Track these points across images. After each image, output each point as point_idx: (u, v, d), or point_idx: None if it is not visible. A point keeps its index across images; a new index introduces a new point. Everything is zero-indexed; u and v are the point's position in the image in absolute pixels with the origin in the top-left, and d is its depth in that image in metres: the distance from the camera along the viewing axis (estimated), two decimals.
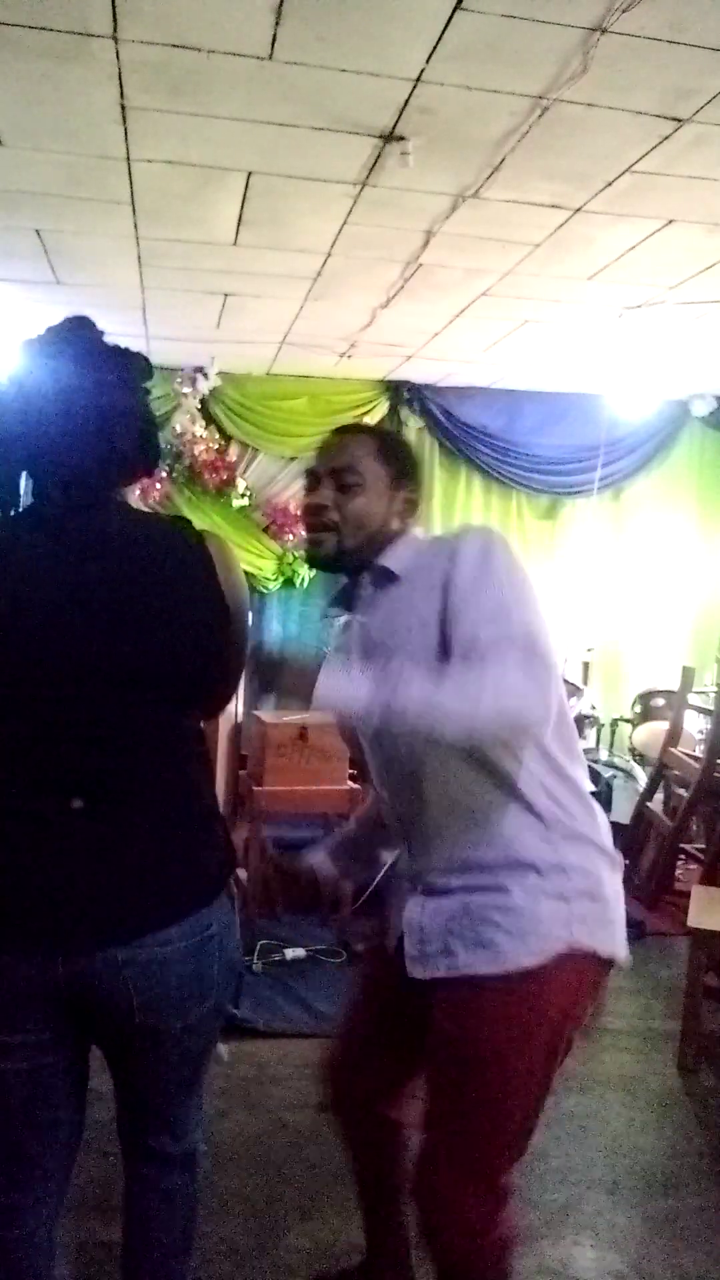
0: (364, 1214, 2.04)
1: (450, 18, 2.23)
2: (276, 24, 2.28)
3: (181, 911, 1.46)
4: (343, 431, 1.79)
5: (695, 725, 5.38)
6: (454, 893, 1.63)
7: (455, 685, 1.43)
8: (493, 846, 1.61)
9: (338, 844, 2.00)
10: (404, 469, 1.74)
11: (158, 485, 5.76)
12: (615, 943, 1.66)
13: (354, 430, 1.82)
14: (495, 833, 1.61)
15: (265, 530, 6.01)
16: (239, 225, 3.57)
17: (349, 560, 1.72)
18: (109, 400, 1.45)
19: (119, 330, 5.20)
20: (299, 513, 2.10)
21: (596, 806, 1.70)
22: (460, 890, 1.63)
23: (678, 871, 5.00)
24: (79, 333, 1.49)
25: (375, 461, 1.70)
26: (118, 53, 2.42)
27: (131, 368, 1.50)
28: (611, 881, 1.66)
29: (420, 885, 1.69)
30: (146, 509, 1.52)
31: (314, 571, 6.10)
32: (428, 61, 2.42)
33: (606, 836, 1.69)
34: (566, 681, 3.74)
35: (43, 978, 1.42)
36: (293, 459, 6.00)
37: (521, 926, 1.57)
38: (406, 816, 1.72)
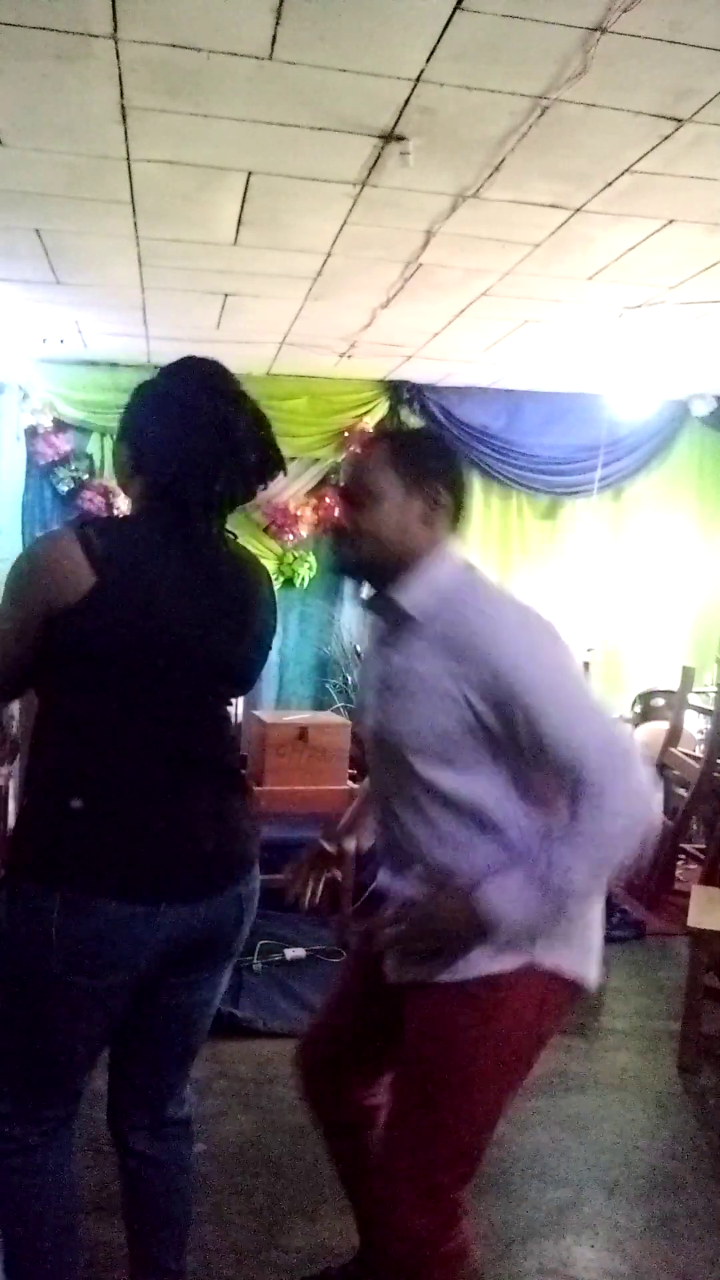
0: (350, 1200, 2.04)
1: (450, 18, 2.23)
2: (276, 24, 2.27)
3: (256, 851, 1.78)
4: (358, 445, 1.78)
5: (695, 725, 5.38)
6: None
7: (595, 838, 1.48)
8: (462, 873, 1.60)
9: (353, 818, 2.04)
10: (420, 471, 1.68)
11: None
12: (582, 964, 1.65)
13: (367, 443, 1.77)
14: (465, 860, 1.61)
15: (265, 530, 6.00)
16: (239, 225, 3.56)
17: (370, 570, 1.73)
18: (262, 438, 1.68)
19: (119, 330, 5.25)
20: (298, 513, 2.17)
21: None
22: None
23: (678, 871, 5.01)
24: (229, 376, 1.71)
25: (385, 470, 1.67)
26: (118, 53, 2.42)
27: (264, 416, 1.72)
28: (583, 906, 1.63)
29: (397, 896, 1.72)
30: None
31: (314, 572, 6.16)
32: (428, 61, 2.42)
33: None
34: None
35: (184, 924, 1.63)
36: (292, 459, 5.98)
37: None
38: (387, 828, 1.75)
